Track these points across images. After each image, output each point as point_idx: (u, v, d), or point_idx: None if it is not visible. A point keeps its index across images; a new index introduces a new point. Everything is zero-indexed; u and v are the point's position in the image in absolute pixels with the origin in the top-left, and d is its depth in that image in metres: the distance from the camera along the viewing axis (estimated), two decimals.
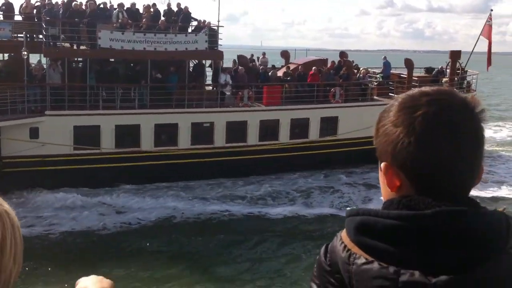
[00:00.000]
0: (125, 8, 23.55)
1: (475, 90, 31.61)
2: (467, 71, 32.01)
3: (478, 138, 1.28)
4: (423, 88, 1.32)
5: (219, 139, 23.33)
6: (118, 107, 21.88)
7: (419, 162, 1.25)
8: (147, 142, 22.21)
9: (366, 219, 1.26)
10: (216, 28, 23.68)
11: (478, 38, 31.59)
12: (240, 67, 24.60)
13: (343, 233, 1.33)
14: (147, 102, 22.19)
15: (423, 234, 1.18)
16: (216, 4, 25.36)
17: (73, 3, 21.65)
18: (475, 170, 1.28)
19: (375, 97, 27.98)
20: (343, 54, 33.12)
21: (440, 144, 1.24)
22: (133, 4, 24.19)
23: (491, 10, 31.83)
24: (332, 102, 25.64)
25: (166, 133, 22.75)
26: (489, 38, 31.42)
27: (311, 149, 25.00)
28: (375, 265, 1.21)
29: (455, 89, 1.37)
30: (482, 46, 32.09)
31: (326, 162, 25.29)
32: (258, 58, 29.46)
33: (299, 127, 25.05)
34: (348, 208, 1.35)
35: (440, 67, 29.71)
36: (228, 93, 23.89)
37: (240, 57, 25.92)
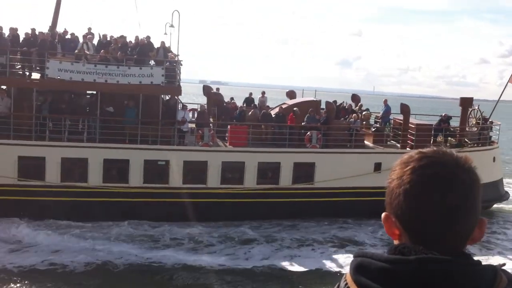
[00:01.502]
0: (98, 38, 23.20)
1: (497, 143, 28.21)
2: (491, 121, 28.74)
3: (468, 192, 1.37)
4: (425, 149, 1.45)
5: (175, 179, 21.78)
6: (65, 139, 21.05)
7: (406, 213, 1.39)
8: (94, 177, 21.08)
9: (363, 260, 1.39)
10: (175, 62, 22.48)
11: (506, 85, 28.39)
12: (202, 105, 23.20)
13: (348, 274, 1.44)
14: (97, 135, 21.20)
15: (406, 277, 1.30)
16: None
17: (25, 32, 21.47)
18: (467, 224, 1.39)
19: (368, 144, 25.48)
20: (354, 97, 31.02)
21: (425, 197, 1.37)
22: (105, 36, 23.73)
23: None
24: (308, 147, 23.46)
25: (116, 169, 21.55)
26: None
27: (281, 196, 22.82)
28: None
29: (453, 150, 1.45)
30: None
31: (299, 212, 22.96)
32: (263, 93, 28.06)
33: (268, 172, 23.03)
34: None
35: (443, 114, 26.70)
36: (185, 130, 22.43)
37: (214, 94, 24.52)
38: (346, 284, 1.43)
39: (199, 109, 24.32)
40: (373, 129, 25.99)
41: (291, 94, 30.90)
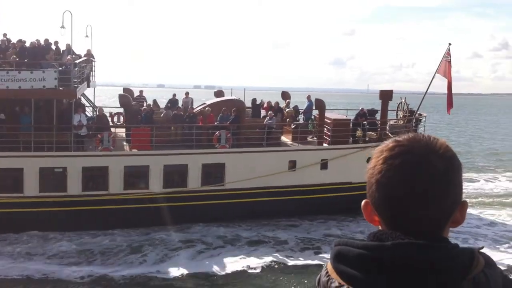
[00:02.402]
0: None
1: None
2: (418, 114, 28.18)
3: (440, 177, 1.39)
4: (401, 136, 1.48)
5: (74, 186, 20.92)
6: None
7: (379, 201, 1.43)
8: None
9: (342, 248, 1.42)
10: (72, 64, 21.56)
11: (434, 76, 27.74)
12: (100, 108, 22.36)
13: (329, 261, 1.48)
14: None
15: (383, 263, 1.33)
16: None
17: None
18: (440, 208, 1.40)
19: (287, 142, 24.79)
20: (284, 94, 30.36)
21: (394, 185, 1.39)
22: (3, 41, 22.83)
23: (449, 44, 28.00)
24: (216, 147, 22.71)
25: (9, 178, 20.67)
26: (447, 76, 27.50)
27: (190, 199, 22.05)
28: None
29: (432, 136, 1.47)
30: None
31: (209, 215, 22.23)
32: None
33: (175, 175, 22.26)
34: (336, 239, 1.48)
35: (361, 108, 26.08)
36: (83, 134, 21.57)
37: (121, 96, 23.65)
38: (327, 272, 1.47)
39: (97, 113, 23.44)
40: (293, 126, 25.25)
41: (218, 94, 30.15)
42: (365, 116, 25.13)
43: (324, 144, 24.60)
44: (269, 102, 29.26)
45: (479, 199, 28.71)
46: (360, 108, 26.11)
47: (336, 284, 1.41)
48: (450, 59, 27.48)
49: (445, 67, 27.41)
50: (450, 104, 27.85)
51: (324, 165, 23.93)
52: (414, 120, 27.66)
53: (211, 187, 22.46)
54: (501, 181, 34.32)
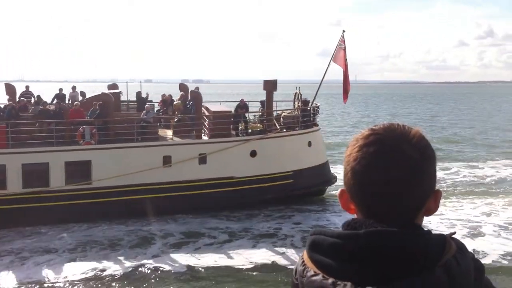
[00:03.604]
0: None
1: (318, 125, 26.83)
2: (316, 104, 27.37)
3: (413, 166, 1.42)
4: (377, 125, 1.51)
5: None
6: None
7: (354, 189, 1.47)
8: None
9: (317, 238, 1.45)
10: None
11: (329, 65, 26.81)
12: None
13: (305, 250, 1.51)
14: None
15: (356, 250, 1.36)
16: None
17: None
18: (413, 197, 1.43)
19: (167, 137, 23.72)
20: (182, 86, 29.40)
21: (368, 173, 1.43)
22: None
23: (343, 31, 27.10)
24: (81, 144, 21.58)
25: None
26: (343, 65, 26.59)
27: (53, 199, 20.91)
28: (319, 277, 1.41)
29: (407, 126, 1.49)
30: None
31: (74, 214, 21.09)
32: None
33: (35, 174, 21.08)
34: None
35: (240, 100, 25.11)
36: None
37: None
38: (303, 261, 1.49)
39: None
40: (176, 120, 24.19)
41: (112, 87, 29.07)
42: (245, 107, 24.12)
43: (204, 138, 23.61)
44: (163, 95, 28.30)
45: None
46: (241, 99, 25.10)
47: (312, 272, 1.45)
48: (345, 47, 26.62)
49: (341, 55, 26.56)
50: (346, 93, 26.98)
51: (202, 159, 22.93)
52: (311, 110, 26.86)
53: (76, 185, 21.34)
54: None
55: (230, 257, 17.72)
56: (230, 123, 23.80)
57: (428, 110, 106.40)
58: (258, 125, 24.34)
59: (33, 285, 15.59)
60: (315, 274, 1.43)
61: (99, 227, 20.79)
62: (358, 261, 1.36)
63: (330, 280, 1.39)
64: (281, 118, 25.80)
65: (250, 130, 23.91)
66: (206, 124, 23.81)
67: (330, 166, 27.25)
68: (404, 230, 1.37)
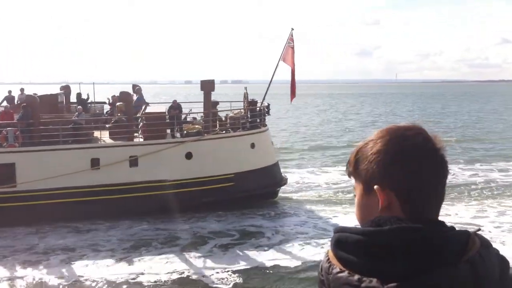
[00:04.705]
0: None
1: (266, 126, 26.00)
2: (267, 104, 26.56)
3: (443, 164, 1.52)
4: (402, 124, 1.57)
5: None
6: None
7: (401, 185, 1.48)
8: None
9: (341, 235, 1.48)
10: None
11: (278, 64, 25.97)
12: None
13: (329, 248, 1.54)
14: None
15: (381, 247, 1.40)
16: None
17: None
18: (441, 195, 1.53)
19: (104, 139, 23.23)
20: (135, 87, 28.96)
21: (424, 172, 1.48)
22: None
23: (292, 29, 26.22)
24: (4, 146, 21.25)
25: None
26: (291, 63, 25.75)
27: None
28: (345, 274, 1.44)
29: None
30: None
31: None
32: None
33: None
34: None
35: (173, 101, 24.38)
36: None
37: None
38: (328, 259, 1.52)
39: None
40: (112, 122, 23.68)
41: (63, 89, 28.80)
42: (179, 108, 23.40)
43: (136, 140, 23.03)
44: (113, 96, 27.89)
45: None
46: (173, 100, 24.39)
47: (337, 270, 1.47)
48: (293, 45, 25.72)
49: (289, 54, 25.68)
50: (293, 92, 26.10)
51: (134, 162, 22.34)
52: (259, 110, 26.06)
53: (1, 188, 21.03)
54: None
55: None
56: (164, 125, 23.16)
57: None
58: (197, 126, 23.62)
59: None
60: (341, 271, 1.46)
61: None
62: (383, 257, 1.39)
63: (356, 277, 1.42)
64: (228, 119, 25.12)
65: (185, 132, 23.22)
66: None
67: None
68: (429, 226, 1.42)
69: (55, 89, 30.59)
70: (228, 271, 16.35)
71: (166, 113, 23.56)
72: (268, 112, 26.65)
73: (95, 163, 21.93)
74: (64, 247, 18.87)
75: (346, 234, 1.46)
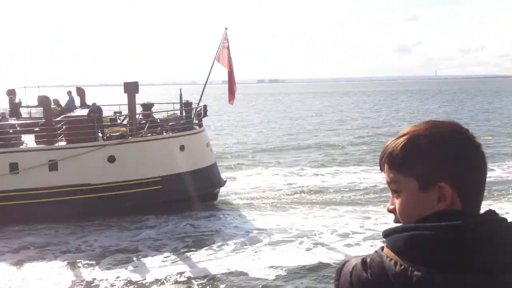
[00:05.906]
0: None
1: (202, 127, 25.56)
2: (204, 106, 26.12)
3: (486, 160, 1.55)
4: (449, 122, 1.54)
5: None
6: None
7: (466, 181, 1.48)
8: None
9: (414, 234, 1.42)
10: None
11: (213, 65, 25.41)
12: None
13: (386, 250, 1.47)
14: None
15: (461, 242, 1.37)
16: None
17: None
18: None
19: (23, 143, 23.00)
20: (79, 90, 28.91)
21: (480, 168, 1.51)
22: None
23: (226, 28, 25.65)
24: None
25: None
26: (227, 65, 25.19)
27: None
28: (424, 274, 1.38)
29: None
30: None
31: None
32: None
33: None
34: (385, 229, 1.50)
35: (92, 103, 24.02)
36: None
37: None
38: (396, 262, 1.44)
39: None
40: (40, 125, 23.50)
41: (10, 93, 28.87)
42: (99, 111, 23.06)
43: (59, 144, 22.83)
44: (54, 100, 27.79)
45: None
46: (92, 103, 24.06)
47: (400, 267, 1.42)
48: (228, 45, 25.14)
49: (224, 54, 25.10)
50: (232, 93, 25.48)
51: (53, 166, 22.14)
52: (196, 111, 25.61)
53: None
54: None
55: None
56: (84, 128, 22.89)
57: None
58: (122, 129, 23.28)
59: None
60: (405, 269, 1.42)
61: None
62: (454, 252, 1.37)
63: (421, 272, 1.40)
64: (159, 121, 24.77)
65: (108, 135, 22.91)
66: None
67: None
68: (495, 217, 1.45)
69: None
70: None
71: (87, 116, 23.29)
72: (205, 113, 26.17)
73: (13, 167, 21.81)
74: None
75: (420, 232, 1.41)
